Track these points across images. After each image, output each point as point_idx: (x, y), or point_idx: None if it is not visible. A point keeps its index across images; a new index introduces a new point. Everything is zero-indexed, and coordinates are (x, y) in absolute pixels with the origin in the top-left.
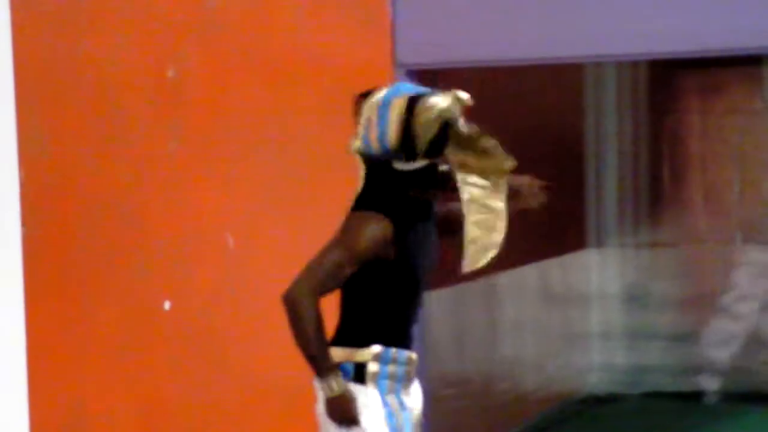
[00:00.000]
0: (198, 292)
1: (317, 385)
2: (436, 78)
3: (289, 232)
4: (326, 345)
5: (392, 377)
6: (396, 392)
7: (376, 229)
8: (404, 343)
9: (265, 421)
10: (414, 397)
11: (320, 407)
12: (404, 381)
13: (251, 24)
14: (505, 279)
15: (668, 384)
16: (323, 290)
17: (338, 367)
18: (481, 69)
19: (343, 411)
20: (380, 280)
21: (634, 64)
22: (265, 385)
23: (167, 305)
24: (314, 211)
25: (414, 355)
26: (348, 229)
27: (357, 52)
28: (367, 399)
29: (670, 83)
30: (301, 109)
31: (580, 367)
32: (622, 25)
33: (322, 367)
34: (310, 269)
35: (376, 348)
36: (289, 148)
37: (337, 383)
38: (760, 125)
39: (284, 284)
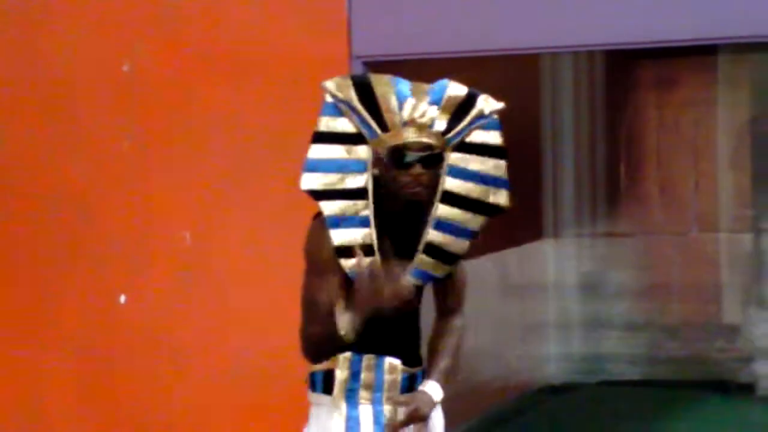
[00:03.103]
0: (154, 287)
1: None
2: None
3: (245, 228)
4: (334, 332)
5: (367, 387)
6: (375, 403)
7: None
8: (384, 349)
9: (222, 415)
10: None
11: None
12: (388, 391)
13: (207, 17)
14: None
15: (624, 373)
16: (316, 317)
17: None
18: (438, 60)
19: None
20: None
21: (591, 56)
22: (221, 379)
23: (122, 299)
24: (271, 207)
25: (396, 362)
26: (307, 246)
27: (313, 44)
28: (326, 410)
29: (626, 75)
30: (257, 104)
31: (537, 356)
32: (579, 15)
33: (355, 321)
34: (302, 312)
35: (345, 354)
36: (245, 143)
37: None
38: (715, 117)
39: (239, 280)
